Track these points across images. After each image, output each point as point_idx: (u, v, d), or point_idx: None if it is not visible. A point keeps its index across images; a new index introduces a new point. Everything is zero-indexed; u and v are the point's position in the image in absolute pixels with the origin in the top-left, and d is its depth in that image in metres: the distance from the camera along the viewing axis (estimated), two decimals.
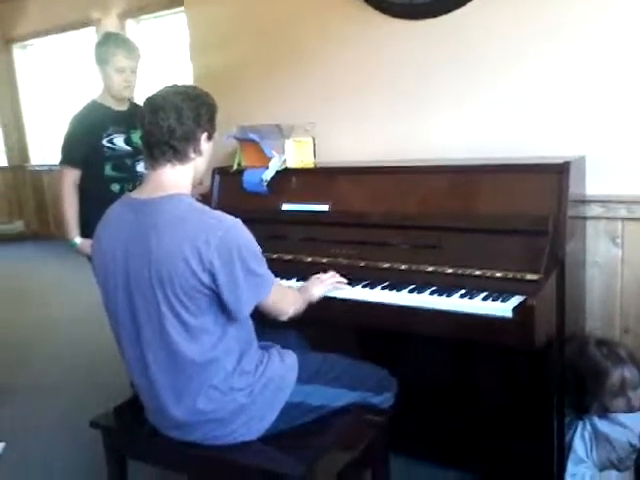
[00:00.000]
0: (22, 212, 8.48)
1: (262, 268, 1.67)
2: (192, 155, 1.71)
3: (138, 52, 2.84)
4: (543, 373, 1.97)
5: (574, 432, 2.11)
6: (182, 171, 1.71)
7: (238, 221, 1.63)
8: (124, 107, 2.88)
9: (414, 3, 2.52)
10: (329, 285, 2.02)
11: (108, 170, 2.82)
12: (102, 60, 2.78)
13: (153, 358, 1.65)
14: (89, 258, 2.77)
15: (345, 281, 2.07)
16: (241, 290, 1.59)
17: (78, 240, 2.80)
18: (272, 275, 1.72)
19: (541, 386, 1.99)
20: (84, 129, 2.79)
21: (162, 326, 1.61)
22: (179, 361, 1.63)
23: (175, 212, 1.61)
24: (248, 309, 1.65)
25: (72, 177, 2.82)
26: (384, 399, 1.91)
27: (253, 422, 1.70)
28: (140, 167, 2.86)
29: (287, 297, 1.82)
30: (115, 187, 2.83)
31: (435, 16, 2.51)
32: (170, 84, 1.75)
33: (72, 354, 3.97)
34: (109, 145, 2.80)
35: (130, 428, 1.88)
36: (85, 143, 2.78)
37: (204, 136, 1.73)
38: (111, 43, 2.79)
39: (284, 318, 1.81)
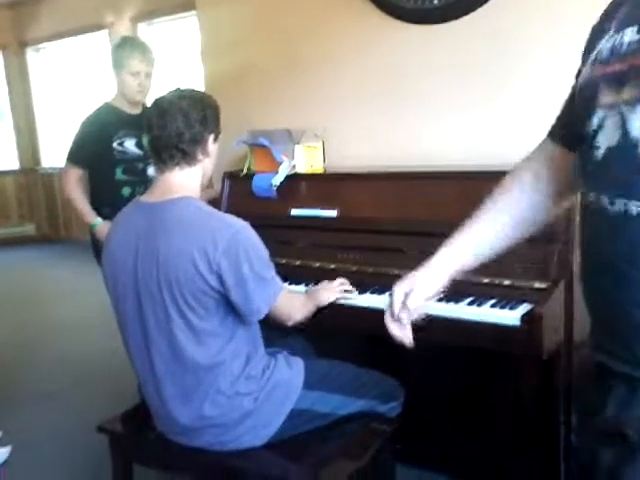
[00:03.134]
0: (33, 215, 8.51)
1: (270, 272, 1.67)
2: (200, 157, 1.72)
3: (153, 57, 2.87)
4: (551, 382, 1.95)
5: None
6: (190, 173, 1.72)
7: (246, 224, 1.64)
8: (137, 110, 2.89)
9: (425, 8, 2.51)
10: (337, 293, 2.02)
11: (119, 174, 2.83)
12: (118, 64, 2.81)
13: (160, 362, 1.66)
14: (93, 241, 2.78)
15: (353, 289, 2.06)
16: (250, 291, 1.60)
17: (99, 220, 2.79)
18: (280, 280, 1.72)
19: (549, 395, 1.97)
20: (94, 131, 2.82)
21: (170, 329, 1.62)
22: (186, 364, 1.64)
23: (183, 215, 1.62)
24: (260, 311, 1.65)
25: (75, 175, 2.86)
26: (391, 408, 1.90)
27: (259, 428, 1.70)
28: (151, 171, 2.86)
29: (294, 302, 1.83)
30: (126, 191, 2.84)
31: (445, 21, 2.50)
32: (173, 88, 1.77)
33: (81, 358, 3.97)
34: (120, 148, 2.82)
35: (137, 433, 1.89)
36: (93, 145, 2.81)
37: (211, 137, 1.74)
38: (127, 47, 2.83)
39: (290, 324, 1.81)
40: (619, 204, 0.93)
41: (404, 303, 1.24)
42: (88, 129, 2.84)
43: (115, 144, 2.80)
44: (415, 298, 1.25)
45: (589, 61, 1.03)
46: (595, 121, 0.97)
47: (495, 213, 1.26)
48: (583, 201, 1.04)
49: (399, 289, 1.26)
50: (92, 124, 2.84)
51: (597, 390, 1.07)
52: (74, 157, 2.87)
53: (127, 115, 2.86)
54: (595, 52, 1.01)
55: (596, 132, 0.97)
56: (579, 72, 1.10)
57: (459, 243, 1.28)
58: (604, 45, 0.99)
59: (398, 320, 1.26)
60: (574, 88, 1.15)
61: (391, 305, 1.26)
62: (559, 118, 1.26)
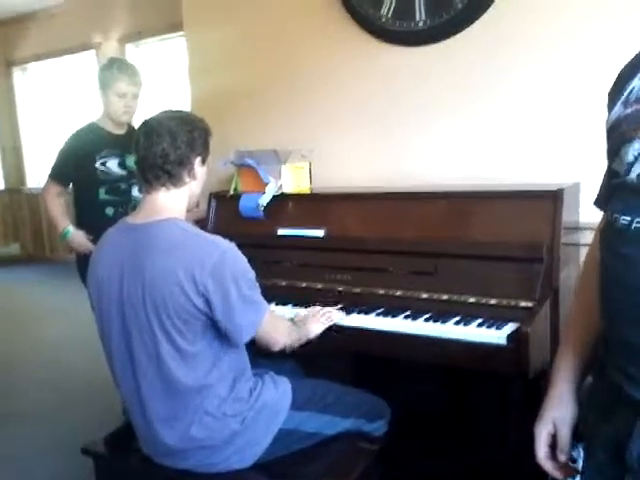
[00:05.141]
0: (18, 235, 8.48)
1: (256, 294, 1.67)
2: (187, 179, 1.71)
3: (140, 79, 2.88)
4: (538, 401, 1.96)
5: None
6: (177, 195, 1.71)
7: (233, 245, 1.63)
8: (122, 131, 2.90)
9: (411, 30, 2.55)
10: (326, 321, 2.00)
11: (102, 194, 2.83)
12: (105, 84, 2.82)
13: (147, 384, 1.65)
14: (79, 261, 2.78)
15: (342, 314, 2.04)
16: (236, 313, 1.59)
17: (71, 228, 2.84)
18: (265, 303, 1.71)
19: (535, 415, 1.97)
20: (76, 148, 2.83)
21: (156, 351, 1.60)
22: (173, 387, 1.63)
23: (169, 236, 1.62)
24: (247, 333, 1.64)
25: (55, 190, 2.90)
26: (377, 427, 1.89)
27: (246, 449, 1.69)
28: (135, 191, 2.86)
29: (279, 327, 1.80)
30: (110, 211, 2.83)
31: (432, 42, 2.54)
32: (165, 109, 1.77)
33: (67, 379, 3.94)
34: (102, 168, 2.81)
35: (122, 455, 1.86)
36: (75, 163, 2.83)
37: (198, 160, 1.73)
38: (115, 68, 2.83)
39: (276, 349, 1.78)
40: None
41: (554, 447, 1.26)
42: (70, 146, 2.86)
43: (98, 164, 2.80)
44: (563, 440, 1.25)
45: (619, 102, 1.07)
46: (630, 151, 0.99)
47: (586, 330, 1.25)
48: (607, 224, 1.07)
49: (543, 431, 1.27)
50: (75, 142, 2.86)
51: (608, 414, 1.08)
52: (55, 173, 2.90)
53: (111, 135, 2.87)
54: (626, 92, 1.06)
55: (633, 162, 1.00)
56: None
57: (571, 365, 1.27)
58: (637, 83, 1.04)
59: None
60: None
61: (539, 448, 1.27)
62: (603, 186, 1.20)
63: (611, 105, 1.10)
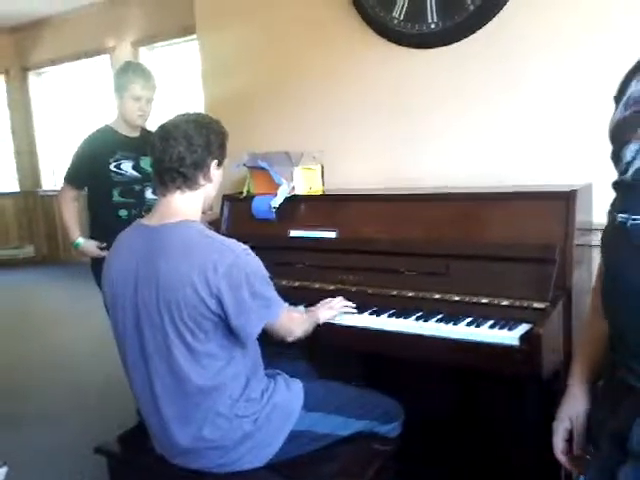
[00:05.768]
0: (32, 237, 8.54)
1: (270, 291, 1.68)
2: (202, 182, 1.72)
3: (155, 83, 2.90)
4: (551, 403, 1.95)
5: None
6: (192, 197, 1.72)
7: (246, 248, 1.64)
8: (136, 133, 2.92)
9: (423, 32, 2.55)
10: (337, 310, 2.03)
11: (116, 196, 2.84)
12: (120, 87, 2.83)
13: (160, 384, 1.66)
14: (93, 264, 2.82)
15: (353, 306, 2.07)
16: (249, 314, 1.60)
17: (81, 240, 2.89)
18: (280, 298, 1.72)
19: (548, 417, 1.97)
20: (91, 151, 2.85)
21: (169, 352, 1.61)
22: (186, 387, 1.64)
23: (184, 239, 1.63)
24: (256, 333, 1.65)
25: (70, 194, 2.94)
26: (391, 428, 1.89)
27: (259, 449, 1.69)
28: (149, 193, 2.88)
29: (294, 319, 1.84)
30: (123, 213, 2.85)
31: (444, 45, 2.54)
32: (182, 112, 1.77)
33: (80, 380, 3.96)
34: (116, 170, 2.83)
35: (135, 455, 1.88)
36: (89, 165, 2.84)
37: (214, 163, 1.74)
38: (130, 72, 2.85)
39: (291, 339, 1.81)
40: None
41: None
42: (84, 149, 2.88)
43: (112, 166, 2.82)
44: (578, 435, 1.33)
45: (621, 104, 1.11)
46: (628, 153, 1.03)
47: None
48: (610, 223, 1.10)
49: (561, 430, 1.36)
50: (89, 144, 2.88)
51: (615, 409, 1.13)
52: (70, 177, 2.93)
53: (125, 138, 2.88)
54: (626, 97, 1.10)
55: (630, 162, 1.03)
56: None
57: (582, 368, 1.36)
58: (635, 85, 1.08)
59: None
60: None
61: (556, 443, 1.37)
62: None
63: (616, 108, 1.14)
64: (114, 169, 2.83)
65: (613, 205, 1.09)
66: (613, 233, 1.07)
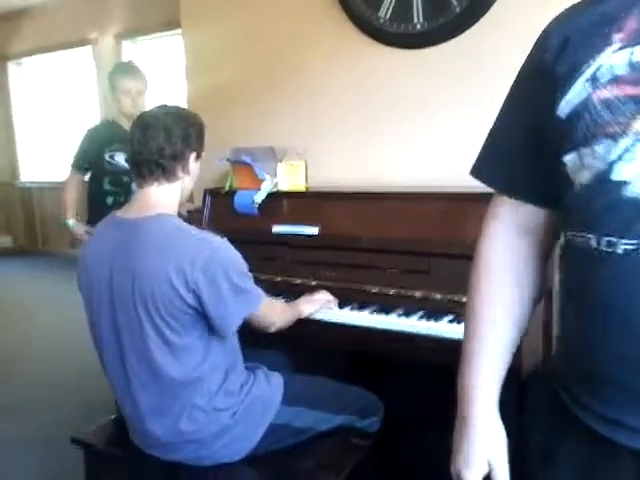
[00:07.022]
0: (10, 228, 8.45)
1: (249, 284, 1.67)
2: (180, 174, 1.73)
3: (143, 76, 3.14)
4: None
5: None
6: (169, 190, 1.72)
7: (224, 241, 1.64)
8: None
9: (408, 32, 2.56)
10: (319, 305, 2.03)
11: (106, 184, 3.07)
12: (112, 85, 3.09)
13: (136, 377, 1.65)
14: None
15: (336, 300, 2.08)
16: (227, 308, 1.59)
17: (71, 222, 3.16)
18: (259, 290, 1.72)
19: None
20: (91, 141, 3.12)
21: (145, 345, 1.61)
22: (162, 380, 1.63)
23: (160, 232, 1.62)
24: (235, 325, 1.65)
25: (75, 180, 3.22)
26: (370, 423, 1.90)
27: (237, 443, 1.69)
28: (134, 185, 2.95)
29: (275, 309, 1.85)
30: (109, 200, 3.06)
31: (428, 45, 2.55)
32: (160, 104, 1.78)
33: (58, 370, 3.94)
34: (109, 160, 3.05)
35: (112, 446, 1.87)
36: (89, 154, 3.11)
37: (193, 156, 1.74)
38: (119, 69, 3.16)
39: (272, 330, 1.82)
40: None
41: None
42: (86, 137, 3.14)
43: (107, 156, 3.04)
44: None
45: (581, 80, 0.83)
46: (613, 150, 0.78)
47: (496, 350, 1.06)
48: (573, 243, 0.89)
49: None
50: (91, 133, 3.15)
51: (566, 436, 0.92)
52: (74, 163, 3.18)
53: (123, 130, 3.00)
54: (592, 70, 0.82)
55: (614, 162, 0.79)
56: (547, 98, 0.90)
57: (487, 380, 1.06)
58: (609, 61, 0.81)
59: None
60: (539, 125, 0.96)
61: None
62: (526, 172, 1.01)
63: (565, 82, 0.86)
64: (108, 159, 3.05)
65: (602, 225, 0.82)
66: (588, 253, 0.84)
